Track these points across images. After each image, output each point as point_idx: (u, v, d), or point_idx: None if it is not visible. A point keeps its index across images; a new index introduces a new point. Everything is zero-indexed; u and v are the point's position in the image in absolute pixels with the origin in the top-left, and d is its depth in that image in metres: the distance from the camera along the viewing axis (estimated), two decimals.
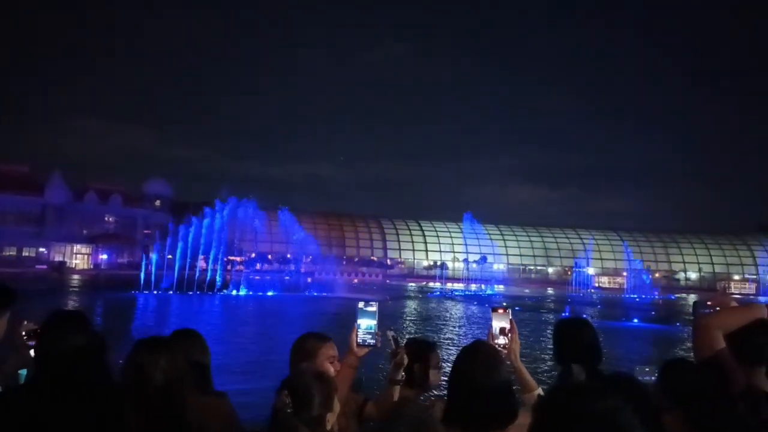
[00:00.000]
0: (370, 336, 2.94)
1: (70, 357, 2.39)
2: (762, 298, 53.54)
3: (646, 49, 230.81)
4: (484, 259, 76.74)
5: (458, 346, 18.18)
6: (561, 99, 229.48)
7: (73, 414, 2.29)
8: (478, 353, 2.53)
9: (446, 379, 2.63)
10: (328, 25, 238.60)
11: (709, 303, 2.49)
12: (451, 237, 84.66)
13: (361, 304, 2.96)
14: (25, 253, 61.60)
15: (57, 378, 2.36)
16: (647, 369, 3.13)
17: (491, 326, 2.98)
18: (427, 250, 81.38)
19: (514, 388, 2.53)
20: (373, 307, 2.98)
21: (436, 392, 3.80)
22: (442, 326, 25.36)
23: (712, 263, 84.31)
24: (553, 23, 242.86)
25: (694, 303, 2.59)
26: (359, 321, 2.95)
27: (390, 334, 3.05)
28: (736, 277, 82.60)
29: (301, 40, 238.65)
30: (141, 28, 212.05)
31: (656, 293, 62.84)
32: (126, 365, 2.34)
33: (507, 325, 2.96)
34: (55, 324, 2.52)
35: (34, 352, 2.61)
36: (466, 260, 77.94)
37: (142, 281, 37.95)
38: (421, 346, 3.51)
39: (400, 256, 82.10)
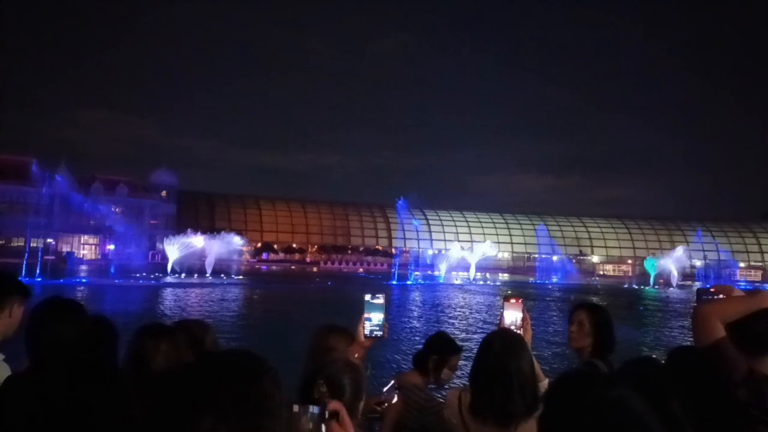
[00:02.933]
0: (378, 328, 3.00)
1: (59, 346, 2.31)
2: (767, 286, 53.33)
3: (650, 38, 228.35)
4: (488, 247, 76.54)
5: (468, 334, 18.29)
6: (566, 88, 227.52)
7: (66, 402, 2.10)
8: (506, 340, 2.53)
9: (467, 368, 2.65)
10: (334, 15, 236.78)
11: (711, 290, 2.46)
12: (455, 226, 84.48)
13: (367, 297, 2.95)
14: (32, 244, 61.85)
15: (47, 366, 2.24)
16: (654, 356, 3.15)
17: (503, 316, 2.97)
18: (431, 239, 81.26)
19: None
20: (380, 300, 3.02)
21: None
22: (450, 314, 25.44)
23: (717, 251, 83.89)
24: (557, 13, 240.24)
25: (697, 290, 2.53)
26: (368, 314, 3.00)
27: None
28: (742, 265, 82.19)
29: (307, 30, 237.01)
30: (146, 18, 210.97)
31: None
32: (128, 351, 2.34)
33: (520, 315, 2.95)
34: (43, 313, 2.44)
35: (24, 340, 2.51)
36: (471, 249, 77.78)
37: None
38: (448, 342, 3.59)
39: (405, 245, 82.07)
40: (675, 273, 60.03)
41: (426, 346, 3.56)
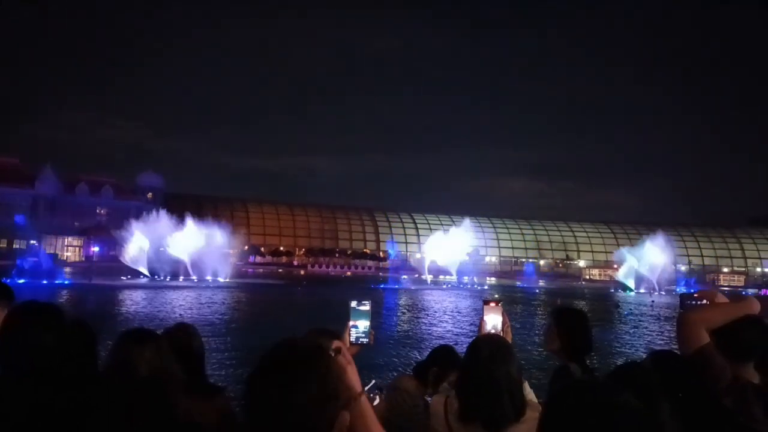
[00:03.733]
0: (364, 335, 2.97)
1: (42, 351, 2.19)
2: (750, 290, 53.98)
3: (639, 45, 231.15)
4: (476, 252, 76.85)
5: (455, 336, 18.28)
6: (555, 94, 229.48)
7: (65, 404, 2.12)
8: (493, 345, 2.50)
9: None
10: (325, 19, 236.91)
11: (695, 295, 2.47)
12: (443, 230, 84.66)
13: (353, 303, 2.89)
14: (15, 245, 61.11)
15: (20, 374, 2.18)
16: (640, 361, 3.14)
17: (483, 320, 2.91)
18: (419, 243, 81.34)
19: None
20: (366, 306, 2.99)
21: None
22: (436, 317, 25.45)
23: (702, 255, 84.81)
24: (547, 18, 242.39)
25: (681, 296, 2.54)
26: (355, 321, 2.96)
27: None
28: (725, 270, 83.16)
29: (298, 34, 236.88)
30: (136, 21, 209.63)
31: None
32: (110, 357, 2.26)
33: (500, 318, 2.90)
34: (21, 317, 2.30)
35: None
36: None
37: None
38: (451, 357, 3.53)
39: (392, 249, 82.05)
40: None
41: (429, 357, 3.52)
